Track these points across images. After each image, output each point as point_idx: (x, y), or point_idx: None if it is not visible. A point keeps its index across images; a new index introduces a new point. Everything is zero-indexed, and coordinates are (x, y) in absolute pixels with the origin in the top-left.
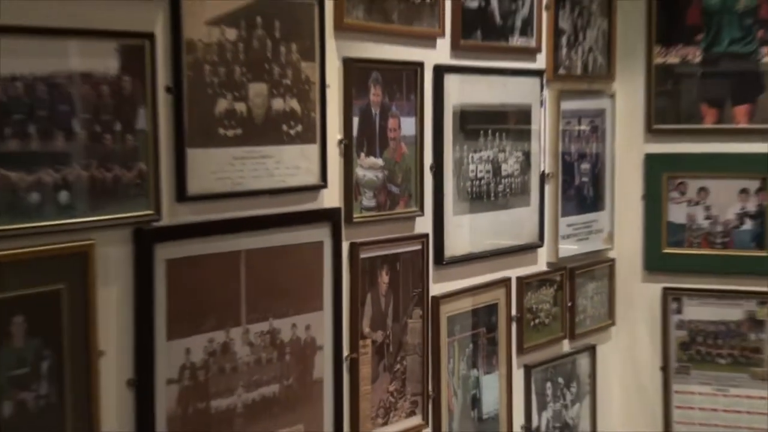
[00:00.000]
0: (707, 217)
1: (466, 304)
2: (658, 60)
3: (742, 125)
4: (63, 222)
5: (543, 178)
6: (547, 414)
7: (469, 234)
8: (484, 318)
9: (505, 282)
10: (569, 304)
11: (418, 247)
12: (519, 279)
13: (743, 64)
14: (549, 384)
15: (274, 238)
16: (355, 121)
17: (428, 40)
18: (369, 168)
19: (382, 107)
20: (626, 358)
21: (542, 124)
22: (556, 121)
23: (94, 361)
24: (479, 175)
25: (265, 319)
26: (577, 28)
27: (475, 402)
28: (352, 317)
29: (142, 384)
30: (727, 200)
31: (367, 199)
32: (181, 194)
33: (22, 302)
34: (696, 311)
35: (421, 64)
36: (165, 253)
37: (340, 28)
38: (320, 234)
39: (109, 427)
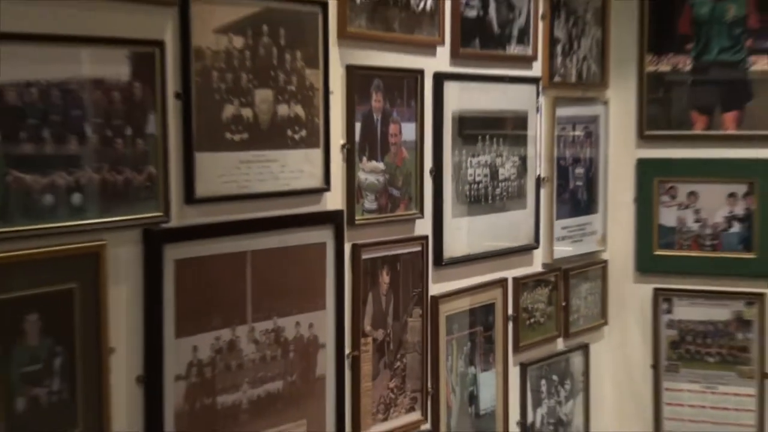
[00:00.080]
0: (697, 221)
1: (464, 303)
2: (650, 68)
3: (731, 131)
4: (75, 223)
5: (539, 182)
6: (541, 410)
7: (467, 236)
8: (482, 317)
9: (502, 282)
10: (563, 304)
11: (418, 248)
12: (515, 279)
13: (732, 72)
14: (544, 381)
15: (278, 240)
16: (358, 126)
17: (428, 48)
18: (371, 172)
19: (383, 113)
20: (618, 356)
21: (538, 129)
22: (552, 127)
23: (105, 358)
24: (477, 179)
25: (269, 318)
26: (572, 37)
27: (473, 398)
28: (353, 316)
29: (151, 380)
30: (715, 204)
31: (369, 202)
32: (190, 197)
33: (36, 301)
34: (686, 311)
35: (421, 72)
36: (174, 253)
37: (343, 36)
38: (323, 235)
39: (119, 422)
